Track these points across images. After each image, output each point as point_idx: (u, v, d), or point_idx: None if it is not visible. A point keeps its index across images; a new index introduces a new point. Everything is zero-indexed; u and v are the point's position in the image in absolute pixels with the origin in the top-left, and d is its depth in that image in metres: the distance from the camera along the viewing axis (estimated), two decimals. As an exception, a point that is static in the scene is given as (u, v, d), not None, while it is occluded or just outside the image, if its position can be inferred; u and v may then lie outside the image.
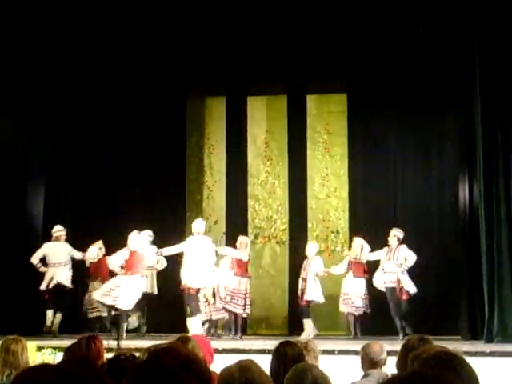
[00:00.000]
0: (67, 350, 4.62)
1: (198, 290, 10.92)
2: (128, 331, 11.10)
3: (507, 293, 9.80)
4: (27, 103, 11.95)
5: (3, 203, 11.85)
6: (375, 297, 11.38)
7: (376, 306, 11.38)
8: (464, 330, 10.92)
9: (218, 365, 3.31)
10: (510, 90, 10.13)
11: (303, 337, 10.68)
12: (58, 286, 11.53)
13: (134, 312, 11.16)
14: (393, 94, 12.78)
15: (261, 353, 7.58)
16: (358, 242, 11.46)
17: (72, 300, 12.09)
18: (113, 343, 7.56)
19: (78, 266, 12.01)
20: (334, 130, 13.40)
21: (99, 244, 11.75)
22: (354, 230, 12.62)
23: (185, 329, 11.70)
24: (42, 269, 11.57)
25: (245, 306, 11.26)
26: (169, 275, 11.79)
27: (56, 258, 11.59)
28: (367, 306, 11.41)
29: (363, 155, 13.03)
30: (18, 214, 12.17)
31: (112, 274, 10.92)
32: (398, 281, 10.85)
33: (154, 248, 11.32)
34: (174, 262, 11.48)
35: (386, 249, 11.14)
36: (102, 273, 11.55)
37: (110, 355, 4.93)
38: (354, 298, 11.36)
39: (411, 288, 10.79)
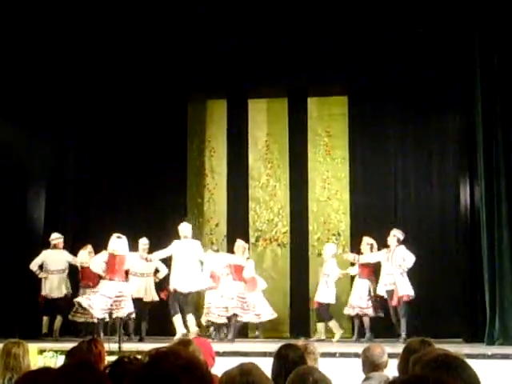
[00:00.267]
0: (68, 354, 4.61)
1: (187, 294, 10.90)
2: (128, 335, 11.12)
3: (508, 295, 9.79)
4: (28, 106, 11.94)
5: (3, 206, 11.84)
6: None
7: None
8: (465, 332, 10.90)
9: (220, 368, 3.31)
10: (510, 91, 10.13)
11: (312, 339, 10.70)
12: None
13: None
14: (394, 97, 12.80)
15: (262, 356, 7.58)
16: (367, 241, 11.35)
17: (71, 304, 12.05)
18: (114, 346, 7.56)
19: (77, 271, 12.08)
20: (334, 133, 13.40)
21: (89, 248, 11.75)
22: (355, 232, 12.62)
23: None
24: (42, 275, 11.70)
25: (248, 310, 11.25)
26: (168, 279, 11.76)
27: (54, 266, 11.73)
28: (373, 308, 11.21)
29: (364, 158, 13.03)
30: (19, 217, 12.15)
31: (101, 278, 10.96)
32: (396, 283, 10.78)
33: (141, 254, 11.34)
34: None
35: (385, 250, 11.04)
36: (91, 277, 11.51)
37: (111, 358, 4.93)
38: (357, 298, 11.31)
39: (406, 291, 10.63)
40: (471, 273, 10.87)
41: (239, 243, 11.56)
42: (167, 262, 11.36)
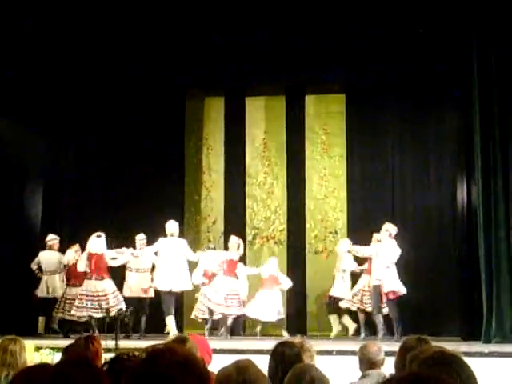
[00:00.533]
0: (65, 351, 4.62)
1: (170, 292, 10.91)
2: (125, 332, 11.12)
3: (505, 293, 9.80)
4: (26, 104, 11.93)
5: (1, 205, 11.83)
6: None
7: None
8: (462, 330, 10.92)
9: (217, 365, 3.31)
10: (507, 90, 10.13)
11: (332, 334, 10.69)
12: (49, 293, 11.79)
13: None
14: (391, 95, 12.81)
15: (259, 353, 7.56)
16: (377, 237, 11.20)
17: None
18: (111, 343, 7.55)
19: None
20: (332, 131, 13.40)
21: (75, 247, 11.78)
22: (352, 230, 12.64)
23: (182, 329, 11.74)
24: (40, 275, 11.87)
25: (240, 306, 11.24)
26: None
27: (48, 267, 11.83)
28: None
29: (361, 155, 13.04)
30: (16, 215, 12.15)
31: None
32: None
33: (131, 249, 11.40)
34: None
35: (377, 244, 10.85)
36: (78, 277, 11.53)
37: (108, 355, 4.93)
38: (361, 293, 11.26)
39: (392, 287, 10.42)
40: (468, 271, 10.87)
41: (233, 239, 11.58)
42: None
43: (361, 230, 12.00)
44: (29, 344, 5.37)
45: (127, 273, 11.61)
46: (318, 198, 13.29)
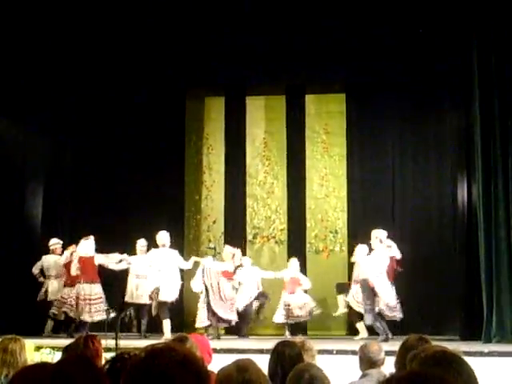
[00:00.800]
0: (65, 350, 4.62)
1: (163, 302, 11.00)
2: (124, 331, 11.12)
3: (505, 293, 9.79)
4: (26, 103, 11.92)
5: (2, 205, 11.83)
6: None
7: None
8: (462, 329, 10.90)
9: (217, 364, 3.31)
10: (508, 91, 10.12)
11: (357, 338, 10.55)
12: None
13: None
14: (392, 95, 12.80)
15: (259, 353, 7.58)
16: (387, 243, 11.07)
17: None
18: (111, 343, 7.54)
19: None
20: (332, 130, 13.40)
21: (72, 248, 11.79)
22: (353, 229, 12.64)
23: (182, 329, 11.73)
24: (41, 279, 11.91)
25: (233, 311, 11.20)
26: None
27: (51, 271, 11.88)
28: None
29: (362, 155, 13.04)
30: (17, 215, 12.15)
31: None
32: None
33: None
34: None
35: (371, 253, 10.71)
36: (72, 278, 11.53)
37: (108, 355, 4.93)
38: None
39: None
40: (468, 271, 10.86)
41: (227, 249, 11.52)
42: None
43: (361, 229, 11.98)
44: (29, 343, 5.37)
45: (129, 278, 11.69)
46: (318, 197, 13.29)
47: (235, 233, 12.20)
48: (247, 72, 12.55)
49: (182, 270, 11.43)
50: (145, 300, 11.50)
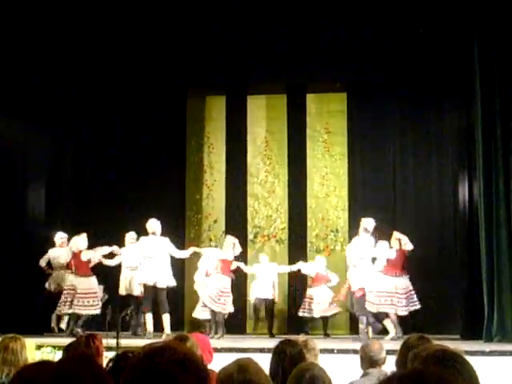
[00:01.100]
0: (66, 349, 4.62)
1: (158, 289, 10.94)
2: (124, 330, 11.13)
3: (506, 292, 9.78)
4: (27, 101, 11.91)
5: (3, 202, 11.83)
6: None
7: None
8: (463, 329, 10.90)
9: (218, 363, 3.31)
10: (509, 90, 10.12)
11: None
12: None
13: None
14: (393, 94, 12.80)
15: (260, 352, 7.58)
16: (397, 235, 11.06)
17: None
18: (112, 342, 7.55)
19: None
20: (333, 130, 13.40)
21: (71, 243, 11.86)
22: (353, 229, 12.62)
23: (183, 328, 11.74)
24: (49, 271, 11.99)
25: (226, 304, 11.10)
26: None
27: (57, 263, 11.93)
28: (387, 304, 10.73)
29: (363, 154, 13.04)
30: (18, 214, 12.14)
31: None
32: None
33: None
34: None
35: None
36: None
37: (109, 354, 4.93)
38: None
39: (359, 284, 10.43)
40: (469, 270, 10.86)
41: (228, 239, 11.48)
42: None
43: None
44: (30, 342, 5.38)
45: (122, 270, 11.71)
46: (319, 196, 13.29)
47: (236, 232, 12.17)
48: (248, 71, 12.55)
49: (182, 266, 11.41)
50: (139, 292, 11.45)
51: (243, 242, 12.60)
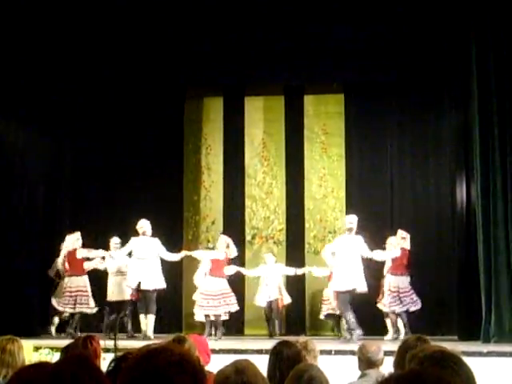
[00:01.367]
0: (64, 350, 4.62)
1: (147, 291, 10.94)
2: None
3: (504, 293, 9.79)
4: (26, 102, 11.90)
5: (3, 202, 11.81)
6: (368, 297, 11.16)
7: (370, 307, 11.27)
8: (461, 329, 10.90)
9: (215, 365, 3.31)
10: (506, 89, 10.13)
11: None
12: None
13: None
14: (390, 94, 12.82)
15: (258, 353, 7.58)
16: (402, 234, 11.09)
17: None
18: (110, 343, 7.54)
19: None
20: (331, 131, 13.40)
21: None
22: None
23: (181, 329, 11.74)
24: (58, 280, 11.96)
25: (221, 306, 11.06)
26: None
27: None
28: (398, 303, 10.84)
29: (360, 155, 13.05)
30: (18, 213, 12.12)
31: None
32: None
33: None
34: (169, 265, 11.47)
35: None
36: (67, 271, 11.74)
37: (107, 355, 4.93)
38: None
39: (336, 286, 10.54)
40: (467, 270, 10.85)
41: (222, 238, 11.48)
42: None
43: (359, 229, 11.96)
44: (27, 344, 5.37)
45: (109, 277, 11.64)
46: (316, 197, 13.29)
47: (234, 233, 12.17)
48: (246, 72, 12.55)
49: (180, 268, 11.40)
50: (127, 296, 11.41)
51: (241, 244, 12.61)
